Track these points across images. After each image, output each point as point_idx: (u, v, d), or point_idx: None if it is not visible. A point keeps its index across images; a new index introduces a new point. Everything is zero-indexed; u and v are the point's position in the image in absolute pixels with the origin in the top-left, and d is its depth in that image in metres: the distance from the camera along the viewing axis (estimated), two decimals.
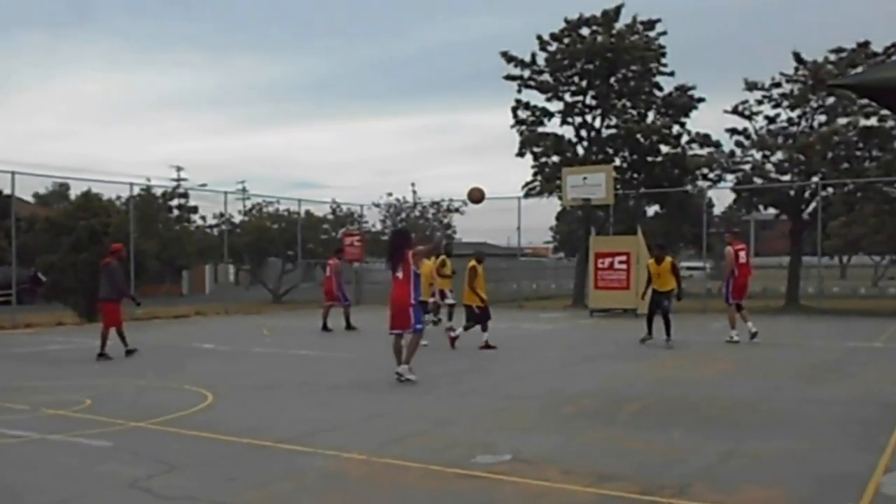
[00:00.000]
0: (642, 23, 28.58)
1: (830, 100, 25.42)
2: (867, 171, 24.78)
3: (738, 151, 27.28)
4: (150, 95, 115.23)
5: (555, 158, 29.40)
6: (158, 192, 26.55)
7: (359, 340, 16.71)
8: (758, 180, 26.45)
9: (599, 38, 28.01)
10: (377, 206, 34.82)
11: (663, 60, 28.80)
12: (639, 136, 28.32)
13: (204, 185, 42.32)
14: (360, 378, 11.12)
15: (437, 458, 6.28)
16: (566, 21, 28.76)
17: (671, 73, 29.05)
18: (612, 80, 28.66)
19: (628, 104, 29.40)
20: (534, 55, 29.08)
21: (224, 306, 26.87)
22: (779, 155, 26.38)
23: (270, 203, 34.18)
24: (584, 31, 28.64)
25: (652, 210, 32.62)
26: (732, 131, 27.43)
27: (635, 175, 29.91)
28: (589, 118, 29.48)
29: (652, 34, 28.65)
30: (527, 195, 30.24)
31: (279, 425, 7.75)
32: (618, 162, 29.14)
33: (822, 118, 26.17)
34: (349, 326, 18.61)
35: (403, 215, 35.22)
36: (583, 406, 8.70)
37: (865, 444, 6.75)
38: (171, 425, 7.76)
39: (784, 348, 14.63)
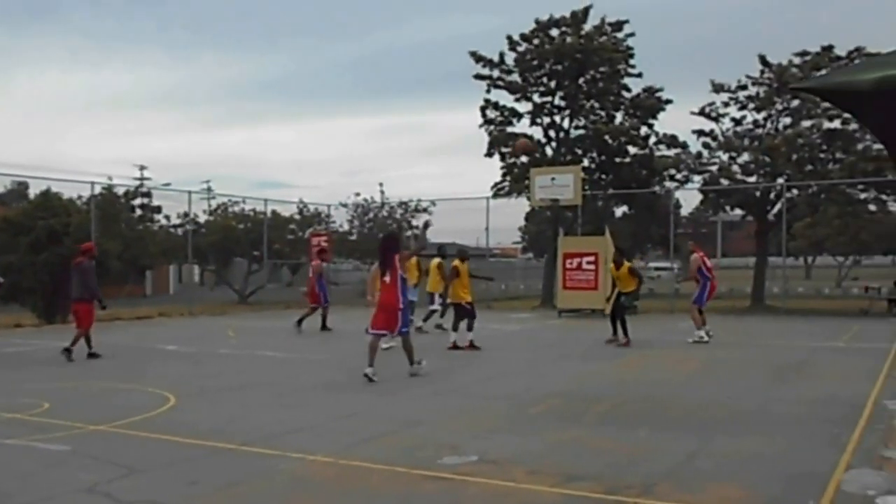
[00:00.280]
0: (611, 24, 28.73)
1: (795, 102, 25.73)
2: (831, 174, 25.11)
3: (705, 153, 27.57)
4: (112, 93, 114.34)
5: (523, 159, 29.43)
6: (121, 191, 26.15)
7: (327, 342, 16.61)
8: (724, 181, 26.69)
9: (568, 39, 28.13)
10: (345, 206, 34.65)
11: (631, 62, 28.98)
12: (607, 137, 28.48)
13: (168, 184, 42.07)
14: (327, 379, 11.02)
15: (403, 460, 6.22)
16: (536, 22, 28.85)
17: (639, 75, 29.24)
18: (581, 81, 28.76)
19: (597, 105, 29.52)
20: (502, 55, 29.16)
21: (188, 307, 26.56)
22: (745, 156, 26.67)
23: (236, 203, 33.94)
24: (554, 32, 28.74)
25: (620, 211, 32.80)
26: (699, 133, 27.66)
27: (603, 176, 30.08)
28: (557, 119, 29.61)
29: (620, 36, 28.80)
30: (495, 195, 30.32)
31: (244, 427, 7.64)
32: (586, 163, 29.30)
33: (788, 120, 26.50)
34: (324, 327, 18.52)
35: (371, 215, 35.08)
36: (550, 406, 8.68)
37: (828, 442, 6.81)
38: (132, 428, 7.62)
39: (749, 348, 14.74)
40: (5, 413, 8.42)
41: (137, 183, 34.71)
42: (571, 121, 29.57)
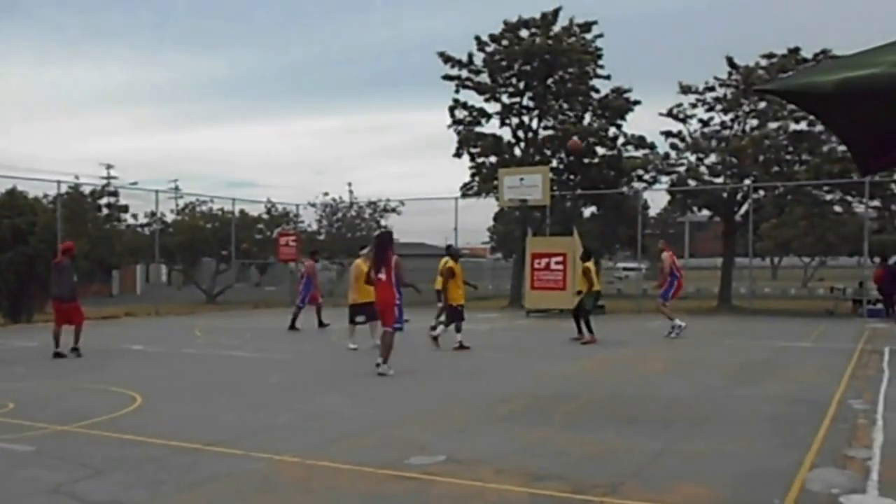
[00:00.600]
0: (579, 25, 28.84)
1: (762, 104, 25.97)
2: (797, 175, 25.39)
3: (673, 154, 27.80)
4: (79, 91, 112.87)
5: (492, 159, 29.56)
6: (87, 190, 25.87)
7: (296, 341, 16.52)
8: (692, 182, 26.94)
9: (537, 40, 28.22)
10: (313, 205, 34.52)
11: (600, 63, 29.13)
12: (575, 137, 28.56)
13: (135, 183, 41.51)
14: (295, 379, 10.98)
15: (370, 460, 6.21)
16: (505, 23, 28.91)
17: (607, 76, 29.41)
18: (550, 81, 28.88)
19: (565, 106, 29.67)
20: (471, 55, 29.21)
21: (155, 307, 26.31)
22: (712, 157, 26.91)
23: (204, 202, 33.69)
24: (523, 33, 28.83)
25: (588, 211, 32.95)
26: (667, 134, 27.86)
27: (572, 176, 30.22)
28: (526, 119, 29.69)
29: (589, 37, 28.94)
30: (464, 195, 30.36)
31: (210, 428, 7.59)
32: (555, 163, 29.41)
33: (754, 122, 26.75)
34: (293, 327, 18.44)
35: (340, 215, 35.00)
36: (518, 406, 8.70)
37: (793, 441, 6.87)
38: (97, 428, 7.54)
39: (716, 348, 14.88)
40: None
41: (104, 182, 34.31)
42: (540, 121, 29.69)
